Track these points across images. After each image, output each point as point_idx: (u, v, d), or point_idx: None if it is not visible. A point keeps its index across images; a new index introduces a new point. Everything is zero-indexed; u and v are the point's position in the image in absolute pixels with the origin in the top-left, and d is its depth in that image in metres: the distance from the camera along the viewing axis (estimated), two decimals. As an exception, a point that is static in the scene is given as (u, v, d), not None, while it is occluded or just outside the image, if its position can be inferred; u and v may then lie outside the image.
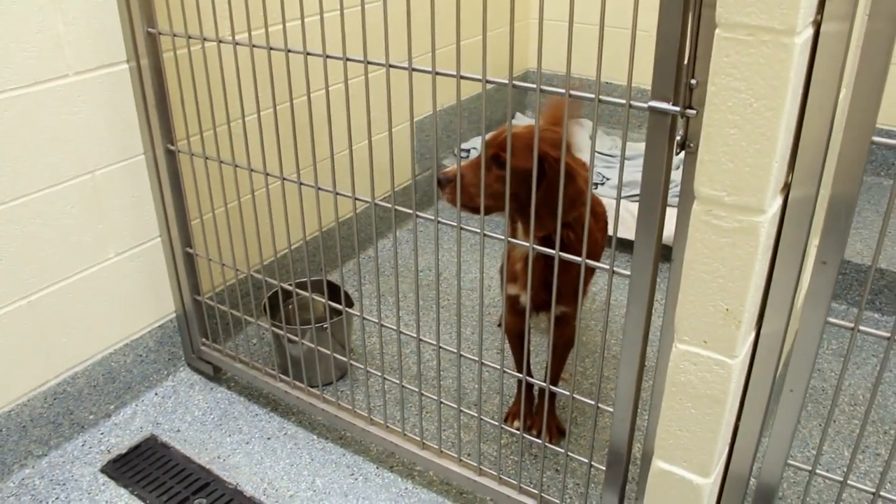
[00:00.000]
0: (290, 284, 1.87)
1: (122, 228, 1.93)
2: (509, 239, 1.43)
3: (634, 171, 2.78)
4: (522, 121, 3.57)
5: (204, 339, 2.14)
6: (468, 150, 3.15)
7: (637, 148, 3.17)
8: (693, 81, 1.05)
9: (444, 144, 3.20)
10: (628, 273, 1.26)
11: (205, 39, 1.67)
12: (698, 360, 1.18)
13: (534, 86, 1.22)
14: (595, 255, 1.76)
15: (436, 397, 1.71)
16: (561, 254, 1.34)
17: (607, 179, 2.98)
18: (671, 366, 1.21)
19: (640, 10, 1.07)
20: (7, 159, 1.65)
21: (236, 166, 1.77)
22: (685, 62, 1.05)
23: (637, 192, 1.20)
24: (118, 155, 1.87)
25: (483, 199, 1.42)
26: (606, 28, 1.14)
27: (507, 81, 1.26)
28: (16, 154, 1.66)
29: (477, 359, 1.57)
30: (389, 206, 1.52)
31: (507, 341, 1.95)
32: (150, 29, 1.76)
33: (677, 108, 1.07)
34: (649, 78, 1.08)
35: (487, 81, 1.27)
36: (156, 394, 2.11)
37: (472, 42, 2.90)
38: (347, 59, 1.44)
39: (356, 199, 1.58)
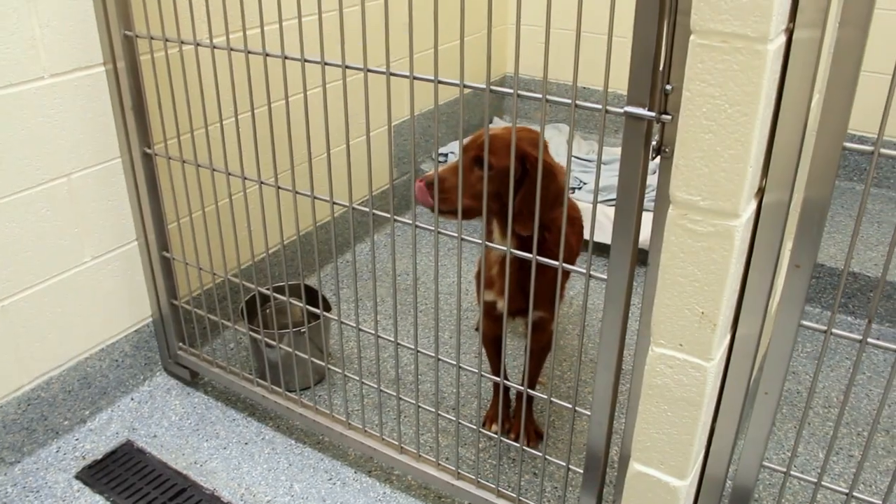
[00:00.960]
0: (268, 289, 1.86)
1: (99, 232, 1.91)
2: (486, 243, 1.44)
3: (611, 176, 2.80)
4: (500, 125, 3.58)
5: (181, 344, 2.12)
6: (446, 155, 3.15)
7: (613, 153, 3.18)
8: (668, 87, 1.06)
9: (422, 149, 3.20)
10: (605, 277, 1.26)
11: (182, 42, 1.66)
12: (674, 363, 1.19)
13: (511, 91, 1.23)
14: (569, 260, 1.77)
15: (414, 401, 1.71)
16: (537, 257, 1.35)
17: (584, 184, 3.00)
18: (647, 369, 1.22)
19: (616, 16, 1.09)
20: (-20, 162, 1.63)
21: (214, 170, 1.77)
22: (660, 68, 1.06)
23: (613, 196, 1.21)
24: (94, 158, 1.85)
25: (461, 203, 1.42)
26: (583, 34, 1.15)
27: (484, 86, 1.26)
28: (-11, 157, 1.64)
29: (455, 363, 1.57)
30: (367, 210, 1.52)
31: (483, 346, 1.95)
32: (126, 31, 1.75)
33: (653, 114, 1.08)
34: (625, 83, 1.09)
35: (465, 86, 1.28)
36: (132, 399, 2.09)
37: (450, 47, 2.91)
38: (325, 64, 1.44)
39: (334, 203, 1.58)
